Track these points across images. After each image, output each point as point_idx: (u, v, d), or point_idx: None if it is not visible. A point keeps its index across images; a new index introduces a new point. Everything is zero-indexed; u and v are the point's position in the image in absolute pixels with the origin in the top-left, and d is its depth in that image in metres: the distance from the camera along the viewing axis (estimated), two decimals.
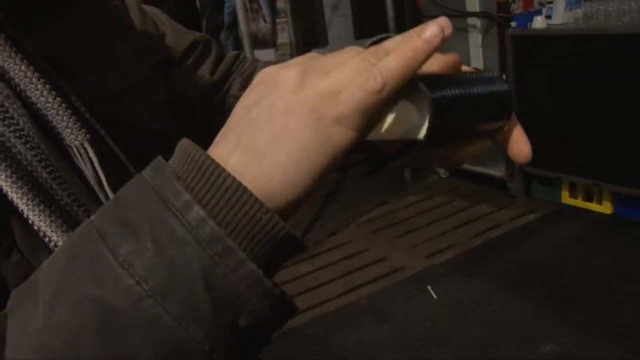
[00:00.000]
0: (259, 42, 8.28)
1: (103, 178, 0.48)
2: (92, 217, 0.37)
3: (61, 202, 0.46)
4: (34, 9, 0.53)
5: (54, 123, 0.47)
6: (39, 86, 0.47)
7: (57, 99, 0.47)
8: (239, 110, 0.39)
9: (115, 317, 0.34)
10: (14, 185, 0.43)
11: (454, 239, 3.20)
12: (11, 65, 0.46)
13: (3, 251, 0.43)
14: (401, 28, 3.82)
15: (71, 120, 0.48)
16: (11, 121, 0.44)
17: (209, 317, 0.34)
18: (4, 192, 0.43)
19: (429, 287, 2.76)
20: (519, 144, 0.47)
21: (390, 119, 0.41)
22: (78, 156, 0.48)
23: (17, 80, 0.46)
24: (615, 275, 2.61)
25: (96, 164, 0.48)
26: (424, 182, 4.03)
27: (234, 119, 0.39)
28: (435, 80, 0.41)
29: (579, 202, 3.29)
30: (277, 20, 7.80)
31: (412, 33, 0.39)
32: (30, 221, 0.44)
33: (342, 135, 0.37)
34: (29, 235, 0.44)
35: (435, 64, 0.44)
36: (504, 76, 0.44)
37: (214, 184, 0.35)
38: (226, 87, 0.76)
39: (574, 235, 3.05)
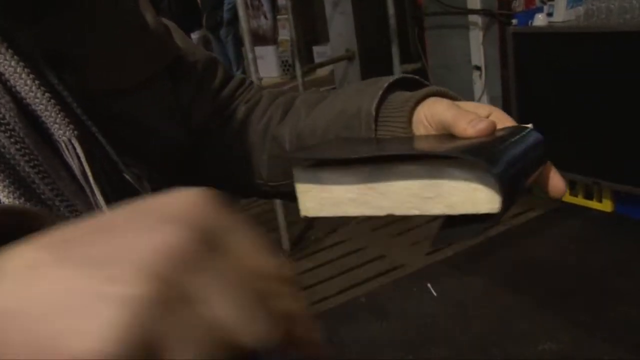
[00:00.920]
0: (259, 38, 8.29)
1: (89, 173, 0.48)
2: None
3: (42, 197, 0.45)
4: (37, 2, 0.52)
5: (43, 118, 0.47)
6: (28, 82, 0.47)
7: (47, 94, 0.47)
8: None
9: None
10: None
11: None
12: (1, 60, 0.46)
13: None
14: (402, 26, 3.83)
15: (59, 116, 0.48)
16: None
17: None
18: None
19: (429, 285, 2.76)
20: (555, 181, 0.50)
21: (455, 195, 0.42)
22: (66, 151, 0.48)
23: (7, 75, 0.46)
24: (615, 273, 2.61)
25: (83, 160, 0.48)
26: None
27: None
28: (490, 153, 0.42)
29: (580, 200, 3.29)
30: (278, 17, 7.82)
31: None
32: None
33: None
34: None
35: (472, 130, 0.45)
36: (530, 126, 0.45)
37: None
38: (227, 113, 0.72)
39: (574, 233, 3.05)
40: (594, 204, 3.22)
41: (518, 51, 3.22)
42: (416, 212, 0.46)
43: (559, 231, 3.09)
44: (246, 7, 8.61)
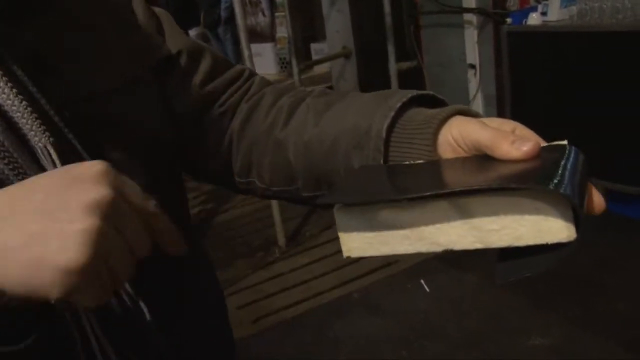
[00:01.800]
0: (257, 36, 8.30)
1: None
2: None
3: None
4: (21, 6, 0.54)
5: (20, 125, 0.50)
6: (6, 90, 0.49)
7: (23, 102, 0.50)
8: None
9: None
10: None
11: None
12: None
13: None
14: (398, 23, 3.85)
15: (35, 123, 0.50)
16: None
17: None
18: None
19: (422, 281, 2.79)
20: (597, 197, 0.47)
21: (524, 226, 0.41)
22: (42, 157, 0.50)
23: None
24: (606, 270, 2.65)
25: (58, 165, 0.50)
26: None
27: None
28: (559, 181, 0.40)
29: None
30: (276, 14, 7.82)
31: None
32: None
33: None
34: None
35: (517, 153, 0.44)
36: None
37: None
38: (219, 105, 0.71)
39: None
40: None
41: (512, 50, 3.25)
42: (479, 246, 0.44)
43: None
44: (244, 4, 8.59)
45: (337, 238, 0.48)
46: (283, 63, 7.86)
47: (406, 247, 0.45)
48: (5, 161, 0.48)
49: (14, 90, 0.49)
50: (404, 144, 0.53)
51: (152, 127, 0.64)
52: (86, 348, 0.49)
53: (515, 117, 2.66)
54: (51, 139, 0.50)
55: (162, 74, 0.67)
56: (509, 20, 3.25)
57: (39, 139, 0.50)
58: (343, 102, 0.61)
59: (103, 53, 0.60)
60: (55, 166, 0.50)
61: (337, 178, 0.58)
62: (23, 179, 0.48)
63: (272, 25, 8.10)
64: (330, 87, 5.11)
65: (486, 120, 0.50)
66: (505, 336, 2.33)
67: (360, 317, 2.62)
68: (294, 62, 3.82)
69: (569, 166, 0.43)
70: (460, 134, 0.49)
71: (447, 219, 0.43)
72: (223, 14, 6.10)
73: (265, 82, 0.75)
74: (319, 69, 7.22)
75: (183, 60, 0.69)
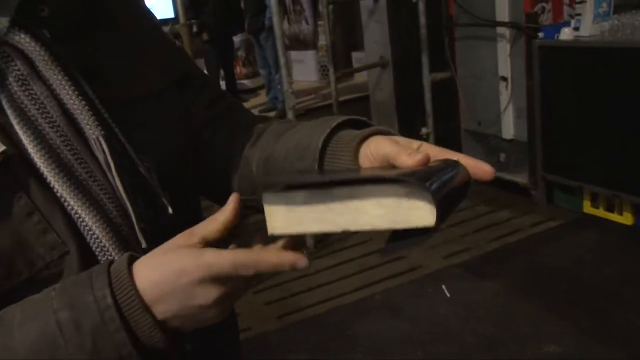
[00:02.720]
0: (300, 43, 8.48)
1: (112, 165, 0.63)
2: (55, 305, 0.53)
3: (80, 177, 0.61)
4: (81, 28, 0.68)
5: (78, 119, 0.62)
6: (69, 91, 0.62)
7: (82, 101, 0.62)
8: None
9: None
10: (46, 162, 0.59)
11: (472, 242, 3.29)
12: (51, 74, 0.61)
13: (26, 212, 0.58)
14: (433, 35, 3.92)
15: (91, 118, 0.63)
16: (47, 115, 0.60)
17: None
18: (37, 165, 0.58)
19: (443, 286, 2.86)
20: (480, 165, 0.57)
21: (399, 213, 0.51)
22: (94, 146, 0.63)
23: (54, 85, 0.61)
24: (625, 283, 2.67)
25: (107, 154, 0.63)
26: None
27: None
28: (427, 179, 0.50)
29: (600, 212, 3.33)
30: (319, 22, 7.97)
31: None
32: (55, 190, 0.59)
33: None
34: (49, 201, 0.59)
35: (411, 161, 0.56)
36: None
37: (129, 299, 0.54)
38: (216, 128, 0.82)
39: (591, 244, 3.11)
40: (614, 217, 3.26)
41: (543, 63, 3.30)
42: (368, 228, 0.52)
43: (576, 241, 3.15)
44: (288, 12, 8.74)
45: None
46: (324, 70, 8.00)
47: (316, 227, 0.55)
48: (68, 148, 0.61)
49: (75, 91, 0.62)
50: (334, 156, 0.64)
51: (175, 133, 0.77)
52: None
53: (545, 129, 2.75)
54: (102, 132, 0.63)
55: (181, 88, 0.80)
56: (541, 34, 3.30)
57: (92, 132, 0.62)
58: (298, 126, 0.75)
59: (138, 66, 0.74)
60: (105, 155, 0.63)
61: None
62: (81, 164, 0.61)
63: (315, 33, 8.27)
64: (367, 96, 5.21)
65: (398, 138, 0.62)
66: (518, 342, 2.39)
67: (380, 318, 2.72)
68: (331, 70, 3.94)
69: (446, 175, 0.53)
70: (375, 149, 0.60)
71: (345, 205, 0.53)
72: (267, 22, 6.27)
73: (248, 112, 0.88)
74: (360, 78, 7.33)
75: (197, 84, 0.83)
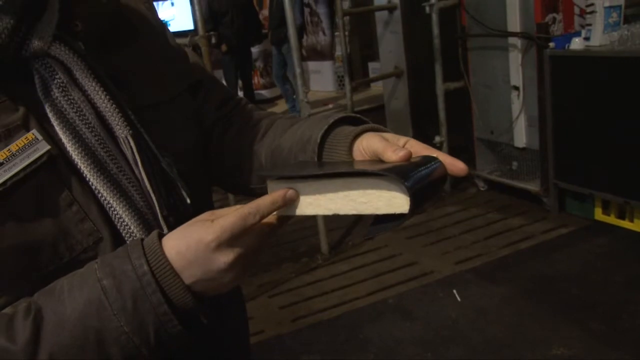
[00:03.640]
0: (317, 54, 8.60)
1: (139, 160, 0.72)
2: (99, 274, 0.63)
3: (111, 172, 0.70)
4: (110, 41, 0.78)
5: (109, 120, 0.71)
6: (102, 96, 0.71)
7: (113, 105, 0.71)
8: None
9: (105, 339, 0.61)
10: (83, 159, 0.68)
11: (484, 248, 3.34)
12: (86, 82, 0.70)
13: (66, 203, 0.67)
14: (446, 45, 4.00)
15: (121, 119, 0.72)
16: (84, 117, 0.69)
17: (153, 346, 0.63)
18: (75, 162, 0.68)
19: (454, 291, 2.92)
20: (455, 163, 0.67)
21: (380, 201, 0.61)
22: (123, 144, 0.72)
23: (89, 91, 0.70)
24: (635, 289, 2.70)
25: (135, 151, 0.72)
26: (463, 194, 4.17)
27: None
28: (405, 173, 0.60)
29: (612, 219, 3.37)
30: (336, 33, 8.07)
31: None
32: (90, 183, 0.68)
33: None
34: (85, 194, 0.68)
35: (395, 157, 0.65)
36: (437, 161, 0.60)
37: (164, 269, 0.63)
38: (227, 125, 0.92)
39: (602, 250, 3.14)
40: (625, 224, 3.29)
41: (554, 73, 3.35)
42: (354, 212, 0.64)
43: (587, 247, 3.18)
44: (306, 23, 8.83)
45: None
46: (341, 81, 8.09)
47: (310, 210, 0.66)
48: (101, 146, 0.70)
49: (107, 96, 0.71)
50: (332, 150, 0.74)
51: (189, 132, 0.86)
52: None
53: (556, 137, 2.82)
54: (130, 132, 0.72)
55: (194, 92, 0.90)
56: (551, 44, 3.35)
57: (122, 131, 0.71)
58: (301, 122, 0.85)
59: (157, 74, 0.83)
60: (132, 152, 0.72)
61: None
62: (112, 160, 0.70)
63: (332, 44, 8.37)
64: (383, 106, 5.29)
65: (387, 135, 0.71)
66: (527, 345, 2.43)
67: (392, 321, 2.77)
68: (346, 80, 4.02)
69: (424, 171, 0.63)
70: (366, 144, 0.70)
71: (334, 192, 0.64)
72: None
73: (257, 109, 0.98)
74: (376, 89, 7.40)
75: (206, 85, 0.93)
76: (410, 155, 0.66)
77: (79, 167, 0.67)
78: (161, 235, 0.65)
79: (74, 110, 0.69)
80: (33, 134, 0.66)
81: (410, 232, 3.66)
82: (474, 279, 3.03)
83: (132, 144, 0.71)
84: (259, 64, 8.54)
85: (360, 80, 5.48)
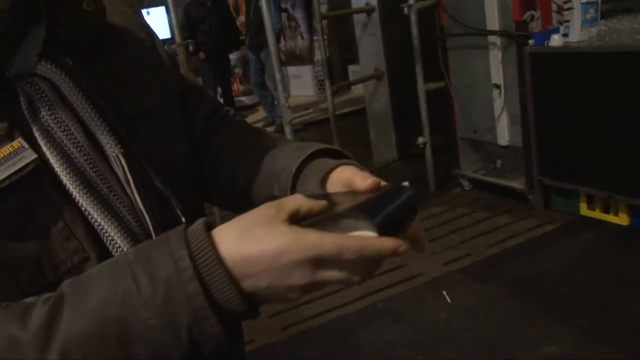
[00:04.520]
0: (296, 58, 8.58)
1: (131, 181, 0.68)
2: (130, 257, 0.55)
3: (102, 193, 0.67)
4: (95, 51, 0.74)
5: (99, 139, 0.68)
6: (91, 113, 0.67)
7: (103, 122, 0.68)
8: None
9: (129, 335, 0.52)
10: (71, 180, 0.64)
11: (471, 247, 3.34)
12: (75, 99, 0.67)
13: (52, 220, 0.63)
14: (426, 45, 3.99)
15: (111, 137, 0.68)
16: (72, 136, 0.66)
17: (186, 348, 0.53)
18: (63, 182, 0.64)
19: (444, 292, 2.90)
20: (421, 241, 0.66)
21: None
22: (114, 163, 0.68)
23: (77, 109, 0.67)
24: (623, 283, 2.71)
25: (126, 170, 0.68)
26: (448, 194, 4.17)
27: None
28: (373, 210, 0.58)
29: (597, 214, 3.38)
30: (315, 37, 8.06)
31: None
32: (80, 204, 0.64)
33: None
34: (71, 210, 0.64)
35: (363, 184, 0.64)
36: (407, 184, 0.60)
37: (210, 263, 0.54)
38: (214, 137, 0.90)
39: (588, 245, 3.15)
40: (610, 218, 3.31)
41: (535, 70, 3.36)
42: None
43: (574, 243, 3.19)
44: (284, 28, 8.79)
45: None
46: (321, 85, 8.08)
47: None
48: (90, 166, 0.66)
49: (97, 113, 0.68)
50: (305, 180, 0.74)
51: (177, 143, 0.82)
52: None
53: (539, 134, 2.83)
54: (121, 150, 0.68)
55: (182, 101, 0.87)
56: (531, 41, 3.36)
57: (112, 150, 0.67)
58: (283, 145, 0.83)
59: (144, 83, 0.79)
60: (124, 171, 0.68)
61: (258, 198, 0.81)
62: (102, 180, 0.66)
63: (311, 48, 8.35)
64: (364, 109, 5.28)
65: (358, 168, 0.71)
66: (518, 345, 2.43)
67: (383, 325, 2.75)
68: (327, 84, 4.01)
69: (393, 201, 0.62)
70: (337, 177, 0.71)
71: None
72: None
73: (240, 120, 0.95)
74: (357, 91, 7.40)
75: (196, 95, 0.90)
76: (378, 183, 0.65)
77: (67, 187, 0.64)
78: (209, 225, 0.56)
79: (62, 129, 0.65)
80: (19, 142, 0.62)
81: None
82: (462, 279, 3.02)
83: (123, 162, 0.68)
84: (237, 71, 8.51)
85: (341, 84, 5.47)
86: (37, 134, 0.64)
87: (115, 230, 0.65)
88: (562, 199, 3.56)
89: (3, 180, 0.60)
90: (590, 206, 3.42)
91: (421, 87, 4.06)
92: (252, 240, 0.53)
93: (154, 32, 0.88)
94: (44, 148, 0.63)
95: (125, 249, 0.64)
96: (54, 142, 0.64)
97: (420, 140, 4.16)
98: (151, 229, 0.68)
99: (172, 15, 3.46)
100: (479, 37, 3.66)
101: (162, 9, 5.72)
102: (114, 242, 0.65)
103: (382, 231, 0.56)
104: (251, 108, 8.48)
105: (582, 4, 3.21)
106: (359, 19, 4.92)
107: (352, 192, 0.67)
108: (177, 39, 3.41)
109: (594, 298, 2.64)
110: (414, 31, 3.91)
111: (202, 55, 6.40)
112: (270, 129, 6.93)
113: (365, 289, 3.09)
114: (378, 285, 3.11)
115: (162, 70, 0.84)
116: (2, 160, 0.61)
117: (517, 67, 3.46)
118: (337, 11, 6.31)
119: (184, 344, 0.52)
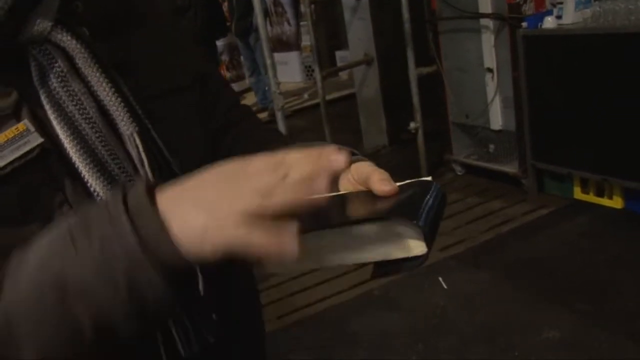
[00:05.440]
0: (283, 44, 8.48)
1: (145, 161, 0.64)
2: (69, 221, 0.51)
3: (112, 173, 0.62)
4: (114, 26, 0.70)
5: (113, 115, 0.64)
6: (106, 88, 0.63)
7: (118, 98, 0.64)
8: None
9: (67, 288, 0.48)
10: (81, 157, 0.60)
11: (466, 233, 3.31)
12: (89, 72, 0.62)
13: (57, 204, 0.59)
14: (417, 29, 3.94)
15: (126, 115, 0.64)
16: (84, 111, 0.62)
17: (126, 297, 0.48)
18: (72, 159, 0.60)
19: (440, 279, 2.88)
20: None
21: (395, 245, 0.55)
22: (128, 143, 0.64)
23: (92, 82, 0.63)
24: (619, 266, 2.70)
25: (141, 150, 0.64)
26: (440, 180, 4.14)
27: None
28: (415, 212, 0.55)
29: (591, 197, 3.36)
30: (301, 23, 7.97)
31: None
32: (87, 182, 0.60)
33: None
34: (79, 193, 0.60)
35: (380, 188, 0.61)
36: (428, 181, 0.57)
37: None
38: (232, 132, 0.86)
39: (584, 229, 3.13)
40: (604, 201, 3.29)
41: (528, 53, 3.32)
42: (362, 262, 0.58)
43: (569, 227, 3.17)
44: (270, 14, 8.70)
45: None
46: (308, 71, 8.00)
47: (310, 266, 0.59)
48: (103, 144, 0.62)
49: (112, 88, 0.63)
50: None
51: (194, 130, 0.78)
52: None
53: (532, 118, 2.77)
54: (137, 128, 0.64)
55: (201, 87, 0.81)
56: (524, 24, 3.32)
57: (127, 128, 0.64)
58: (296, 145, 0.78)
59: (165, 62, 0.75)
60: (138, 152, 0.64)
61: None
62: (114, 160, 0.62)
63: (298, 34, 8.26)
64: (354, 94, 5.23)
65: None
66: (516, 330, 2.41)
67: (379, 313, 2.72)
68: (316, 70, 3.94)
69: (429, 201, 0.58)
70: (356, 172, 0.67)
71: (350, 242, 0.57)
72: (255, 22, 6.25)
73: (255, 118, 0.92)
74: (344, 76, 7.35)
75: (215, 82, 0.86)
76: (397, 190, 0.61)
77: (76, 165, 0.60)
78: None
79: (74, 102, 0.61)
80: (25, 125, 0.58)
81: None
82: (458, 265, 3.00)
83: (138, 142, 0.64)
84: (224, 57, 8.40)
85: (331, 70, 5.41)
86: (47, 107, 0.59)
87: None
88: (555, 182, 3.54)
89: (5, 166, 0.56)
90: (584, 190, 3.40)
91: (412, 72, 4.01)
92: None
93: (171, 13, 0.85)
94: (54, 122, 0.60)
95: None
96: (65, 116, 0.60)
97: (412, 125, 4.11)
98: None
99: None
100: (470, 20, 3.62)
101: None
102: None
103: (427, 236, 0.54)
104: (239, 94, 8.38)
105: None
106: (347, 3, 4.85)
107: (373, 196, 0.62)
108: None
109: (591, 282, 2.63)
110: (405, 14, 3.86)
111: None
112: (261, 116, 6.89)
113: (359, 277, 3.05)
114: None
115: (182, 50, 0.80)
116: (6, 144, 0.57)
117: (510, 50, 3.42)
118: None
119: (123, 296, 0.48)
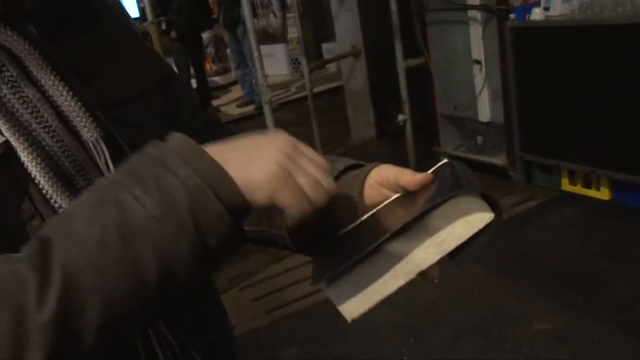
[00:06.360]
0: (269, 37, 8.42)
1: (112, 169, 0.60)
2: (109, 177, 0.50)
3: (78, 186, 0.58)
4: (66, 26, 0.65)
5: (74, 122, 0.59)
6: (63, 92, 0.59)
7: (78, 103, 0.59)
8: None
9: (130, 232, 0.47)
10: (42, 171, 0.55)
11: None
12: (42, 75, 0.58)
13: (27, 216, 0.55)
14: (407, 22, 3.92)
15: (88, 120, 0.60)
16: (42, 119, 0.57)
17: (192, 235, 0.49)
18: (33, 176, 0.55)
19: None
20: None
21: (460, 227, 0.55)
22: (93, 150, 0.60)
23: (46, 87, 0.58)
24: (608, 257, 2.71)
25: (107, 157, 0.60)
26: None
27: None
28: (460, 184, 0.56)
29: (578, 189, 3.38)
30: (287, 15, 7.92)
31: None
32: (52, 199, 0.56)
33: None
34: (48, 205, 0.56)
35: (413, 179, 0.62)
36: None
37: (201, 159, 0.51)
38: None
39: (572, 220, 3.14)
40: (592, 192, 3.31)
41: (516, 45, 3.31)
42: (439, 257, 0.57)
43: (557, 219, 3.18)
44: (255, 6, 8.65)
45: None
46: (295, 63, 7.96)
47: (389, 289, 0.59)
48: (65, 155, 0.58)
49: (70, 92, 0.59)
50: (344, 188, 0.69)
51: (159, 131, 0.73)
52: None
53: (520, 109, 2.76)
54: (101, 133, 0.60)
55: (164, 90, 0.77)
56: (512, 16, 3.32)
57: (91, 134, 0.59)
58: None
59: (124, 66, 0.70)
60: (105, 158, 0.60)
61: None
62: (79, 171, 0.58)
63: (284, 26, 8.21)
64: (341, 86, 5.20)
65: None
66: (508, 323, 2.41)
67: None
68: (303, 62, 3.91)
69: (460, 173, 0.58)
70: (378, 175, 0.67)
71: (407, 254, 0.55)
72: (243, 13, 6.19)
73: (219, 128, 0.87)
74: (332, 67, 7.31)
75: (176, 85, 0.80)
76: (432, 177, 0.61)
77: (37, 181, 0.55)
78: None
79: (29, 110, 0.56)
80: None
81: None
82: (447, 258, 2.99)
83: (104, 148, 0.60)
84: (210, 50, 8.33)
85: (318, 62, 5.37)
86: None
87: None
88: (543, 174, 3.54)
89: None
90: (572, 181, 3.41)
91: (401, 64, 3.99)
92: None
93: (129, 14, 0.79)
94: (7, 134, 0.54)
95: None
96: (20, 126, 0.55)
97: (400, 117, 4.10)
98: None
99: None
100: (458, 12, 3.61)
101: None
102: None
103: (490, 198, 0.55)
104: (225, 88, 8.33)
105: None
106: None
107: (403, 201, 0.61)
108: (150, 17, 3.28)
109: (581, 273, 2.64)
110: (393, 6, 3.83)
111: (173, 34, 6.23)
112: (248, 109, 6.84)
113: None
114: None
115: (140, 53, 0.75)
116: None
117: (498, 42, 3.42)
118: None
119: (188, 230, 0.48)
